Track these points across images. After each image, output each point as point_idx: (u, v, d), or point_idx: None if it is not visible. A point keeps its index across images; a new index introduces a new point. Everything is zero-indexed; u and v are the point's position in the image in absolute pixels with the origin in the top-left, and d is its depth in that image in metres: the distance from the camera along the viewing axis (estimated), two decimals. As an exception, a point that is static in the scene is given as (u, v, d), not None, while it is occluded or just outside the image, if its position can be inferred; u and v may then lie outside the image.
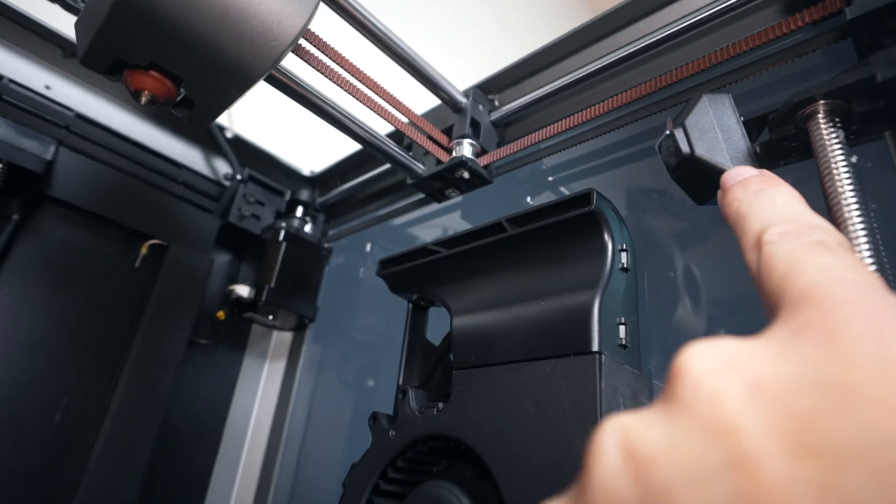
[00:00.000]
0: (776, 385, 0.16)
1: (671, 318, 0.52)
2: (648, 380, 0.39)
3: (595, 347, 0.36)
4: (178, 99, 0.37)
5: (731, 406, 0.16)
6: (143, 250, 0.66)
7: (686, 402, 0.17)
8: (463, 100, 0.58)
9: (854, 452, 0.14)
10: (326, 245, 0.80)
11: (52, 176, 0.58)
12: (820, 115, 0.34)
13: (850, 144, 0.36)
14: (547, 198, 0.66)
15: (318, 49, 0.47)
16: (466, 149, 0.56)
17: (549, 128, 0.53)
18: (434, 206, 0.74)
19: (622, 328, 0.38)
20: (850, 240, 0.30)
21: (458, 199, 0.66)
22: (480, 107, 0.59)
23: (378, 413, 0.49)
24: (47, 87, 0.62)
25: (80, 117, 0.63)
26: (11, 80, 0.59)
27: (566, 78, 0.53)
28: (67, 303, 0.60)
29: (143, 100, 0.36)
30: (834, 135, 0.33)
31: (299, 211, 0.78)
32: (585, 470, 0.18)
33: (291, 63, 0.48)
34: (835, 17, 0.36)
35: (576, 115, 0.51)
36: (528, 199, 0.65)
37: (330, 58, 0.48)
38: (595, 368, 0.35)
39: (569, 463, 0.34)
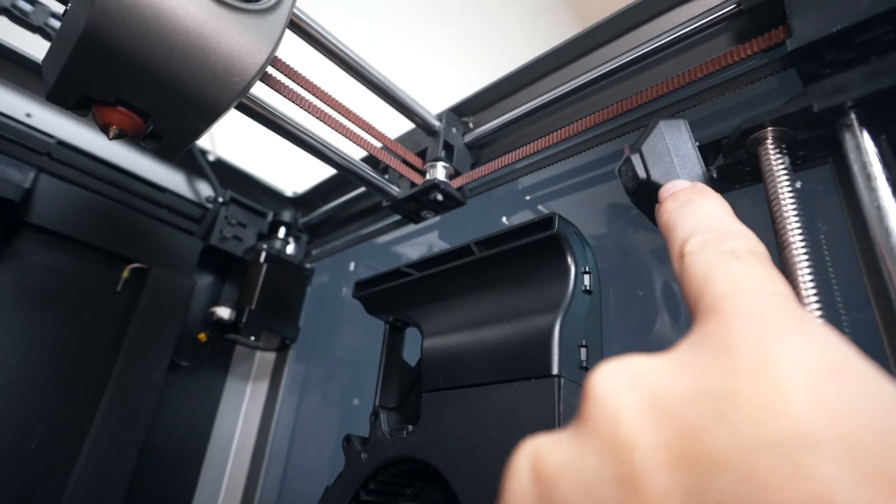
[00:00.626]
0: (669, 399, 0.17)
1: (650, 334, 0.53)
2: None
3: (555, 371, 0.37)
4: (147, 132, 0.38)
5: (628, 423, 0.17)
6: (125, 274, 0.66)
7: (590, 422, 0.18)
8: (436, 123, 0.59)
9: (726, 460, 0.14)
10: (309, 265, 0.81)
11: (32, 203, 0.59)
12: (768, 142, 0.35)
13: (797, 169, 0.37)
14: (525, 217, 0.67)
15: (288, 77, 0.48)
16: (440, 172, 0.57)
17: (519, 150, 0.54)
18: (417, 224, 0.75)
19: (583, 350, 0.39)
20: (793, 260, 0.31)
21: (438, 218, 0.67)
22: (454, 130, 0.60)
23: (351, 435, 0.50)
24: (28, 115, 0.63)
25: (62, 144, 0.64)
26: (-7, 110, 0.60)
27: (537, 100, 0.55)
28: (47, 327, 0.60)
29: (112, 134, 0.37)
30: (780, 161, 0.34)
31: (281, 232, 0.79)
32: (502, 491, 0.18)
33: (263, 90, 0.49)
34: (781, 46, 0.37)
35: (546, 137, 0.52)
36: (504, 219, 0.66)
37: (300, 85, 0.49)
38: (554, 391, 0.36)
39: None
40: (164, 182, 0.73)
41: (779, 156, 0.34)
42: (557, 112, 0.56)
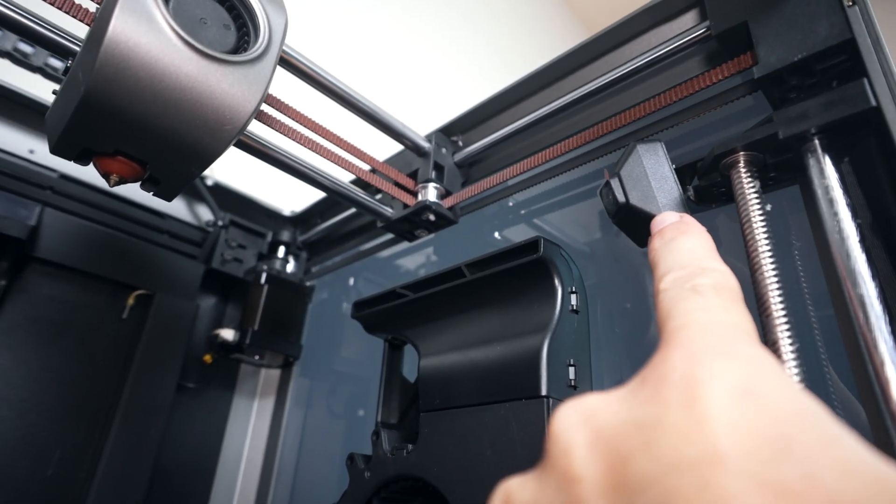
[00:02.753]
0: (611, 431, 0.18)
1: (645, 338, 0.54)
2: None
3: (543, 392, 0.38)
4: (146, 177, 0.40)
5: (577, 457, 0.18)
6: (130, 301, 0.68)
7: (549, 459, 0.19)
8: (426, 144, 0.60)
9: (648, 482, 0.15)
10: (309, 283, 0.83)
11: (38, 238, 0.61)
12: (740, 165, 0.37)
13: (769, 189, 0.39)
14: (519, 231, 0.69)
15: (280, 111, 0.50)
16: (431, 192, 0.59)
17: (507, 170, 0.55)
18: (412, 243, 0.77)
19: (572, 370, 0.41)
20: (764, 279, 0.32)
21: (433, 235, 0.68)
22: (443, 150, 0.61)
23: (355, 454, 0.52)
24: (31, 151, 0.65)
25: (64, 177, 0.66)
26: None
27: (523, 120, 0.56)
28: (57, 357, 0.62)
29: (112, 181, 0.39)
30: (751, 184, 0.36)
31: (281, 251, 0.81)
32: None
33: (254, 124, 0.51)
34: (751, 69, 0.38)
35: (532, 157, 0.54)
36: (497, 234, 0.68)
37: (290, 117, 0.50)
38: (543, 412, 0.37)
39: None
40: (165, 208, 0.75)
41: (750, 179, 0.36)
42: (545, 130, 0.58)
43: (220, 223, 0.76)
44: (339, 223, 0.80)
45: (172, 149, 0.36)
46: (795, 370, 0.30)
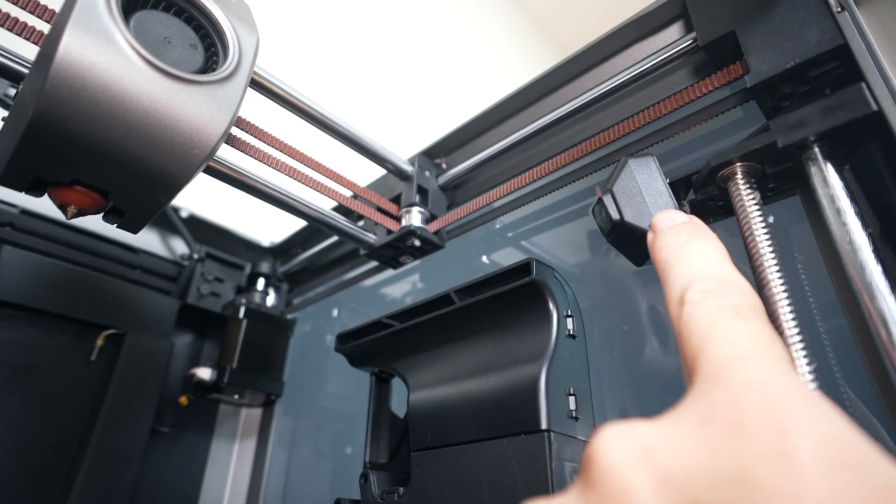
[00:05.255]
0: (684, 478, 0.17)
1: (640, 360, 0.52)
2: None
3: (544, 425, 0.36)
4: (108, 208, 0.37)
5: (642, 500, 0.17)
6: (99, 342, 0.64)
7: (600, 493, 0.18)
8: (409, 168, 0.58)
9: None
10: (290, 316, 0.79)
11: (-3, 275, 0.57)
12: (738, 177, 0.35)
13: (769, 201, 0.37)
14: (508, 254, 0.67)
15: (254, 136, 0.47)
16: (415, 217, 0.56)
17: (492, 192, 0.54)
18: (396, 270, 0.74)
19: (572, 399, 0.38)
20: (773, 296, 0.30)
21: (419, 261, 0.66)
22: (427, 173, 0.60)
23: (342, 500, 0.48)
24: (-9, 187, 0.61)
25: (26, 213, 0.63)
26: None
27: (507, 140, 0.55)
28: (19, 404, 0.58)
29: (70, 214, 0.36)
30: (751, 195, 0.34)
31: (260, 283, 0.78)
32: None
33: (227, 149, 0.49)
34: (741, 80, 0.37)
35: (517, 178, 0.52)
36: (485, 258, 0.66)
37: (265, 142, 0.48)
38: (545, 447, 0.35)
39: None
40: (137, 243, 0.72)
41: (749, 190, 0.34)
42: (530, 149, 0.56)
43: (195, 256, 0.73)
44: (320, 252, 0.77)
45: (135, 176, 0.33)
46: (815, 389, 0.27)
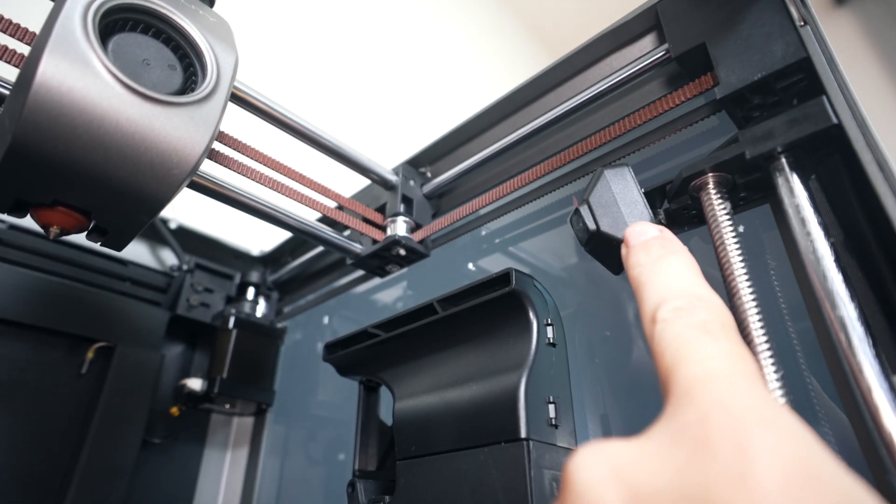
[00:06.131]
0: (650, 498, 0.18)
1: (626, 368, 0.53)
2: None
3: (523, 434, 0.36)
4: (91, 227, 0.38)
5: None
6: (90, 355, 0.65)
7: None
8: (393, 178, 0.59)
9: None
10: (280, 325, 0.80)
11: (-15, 291, 0.57)
12: (709, 187, 0.36)
13: (741, 210, 0.38)
14: (495, 260, 0.67)
15: (236, 150, 0.48)
16: (400, 227, 0.57)
17: (476, 201, 0.54)
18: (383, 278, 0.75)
19: (552, 407, 0.39)
20: (742, 304, 0.31)
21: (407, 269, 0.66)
22: (411, 182, 0.60)
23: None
24: (-22, 203, 0.61)
25: (14, 228, 0.63)
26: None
27: (491, 148, 0.55)
28: (9, 420, 0.58)
29: (52, 234, 0.36)
30: (721, 205, 0.35)
31: (250, 293, 0.78)
32: None
33: (211, 165, 0.49)
34: (712, 90, 0.38)
35: (500, 186, 0.53)
36: (471, 265, 0.66)
37: (247, 156, 0.49)
38: (524, 456, 0.35)
39: (506, 558, 0.33)
40: (126, 255, 0.72)
41: (720, 200, 0.35)
42: (514, 157, 0.57)
43: (184, 267, 0.73)
44: (310, 261, 0.78)
45: (117, 197, 0.34)
46: (782, 397, 0.28)
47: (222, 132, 0.46)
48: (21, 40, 0.36)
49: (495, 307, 0.43)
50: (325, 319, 0.85)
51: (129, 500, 0.63)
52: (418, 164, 0.63)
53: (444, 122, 0.63)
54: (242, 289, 0.78)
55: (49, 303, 0.62)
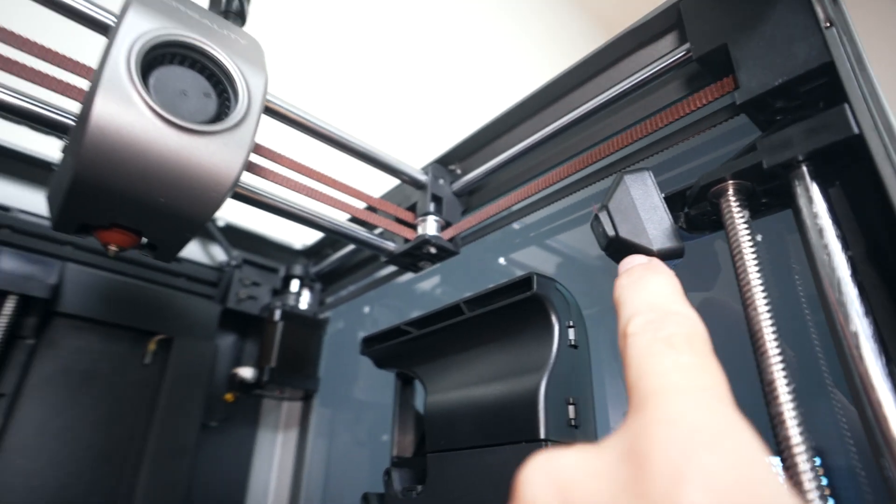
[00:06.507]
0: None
1: None
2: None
3: (542, 435, 0.38)
4: (143, 244, 0.41)
5: None
6: (151, 346, 0.70)
7: None
8: (423, 177, 0.61)
9: None
10: (323, 315, 0.84)
11: (61, 294, 0.63)
12: (729, 194, 0.36)
13: (762, 215, 0.37)
14: (527, 254, 0.68)
15: (270, 159, 0.51)
16: (430, 226, 0.59)
17: (504, 200, 0.55)
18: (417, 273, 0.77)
19: (572, 408, 0.40)
20: (756, 314, 0.31)
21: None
22: (441, 181, 0.62)
23: (369, 494, 0.52)
24: (50, 211, 0.67)
25: (82, 232, 0.69)
26: (20, 210, 0.65)
27: (519, 145, 0.55)
28: (87, 406, 0.65)
29: (111, 252, 0.40)
30: (740, 214, 0.35)
31: (294, 285, 0.82)
32: None
33: (246, 175, 0.52)
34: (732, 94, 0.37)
35: (531, 183, 0.53)
36: (502, 259, 0.67)
37: (282, 165, 0.51)
38: (542, 456, 0.37)
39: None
40: (181, 252, 0.77)
41: (739, 209, 0.35)
42: (543, 153, 0.57)
43: (233, 263, 0.78)
44: (350, 253, 0.81)
45: (163, 219, 0.37)
46: (792, 411, 0.29)
47: (257, 144, 0.49)
48: (82, 76, 0.40)
49: (518, 310, 0.44)
50: (366, 309, 0.89)
51: (193, 477, 0.70)
52: (448, 161, 0.64)
53: (473, 117, 0.64)
54: (287, 281, 0.82)
55: (115, 300, 0.68)
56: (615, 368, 0.50)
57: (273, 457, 0.80)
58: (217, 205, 0.38)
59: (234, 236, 0.81)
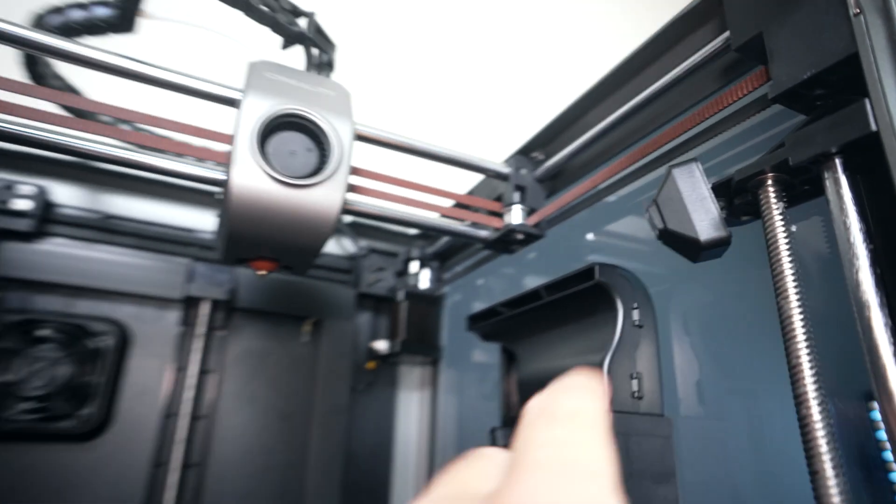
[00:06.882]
0: None
1: (718, 335, 0.55)
2: (670, 417, 0.46)
3: (604, 407, 0.44)
4: (281, 266, 0.54)
5: None
6: (306, 328, 0.87)
7: None
8: (506, 170, 0.66)
9: None
10: (441, 291, 0.95)
11: (237, 294, 0.81)
12: (767, 185, 0.37)
13: (803, 201, 0.38)
14: (627, 224, 0.70)
15: (370, 178, 0.60)
16: (515, 215, 0.65)
17: (583, 184, 0.59)
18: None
19: (635, 382, 0.45)
20: (788, 304, 0.34)
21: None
22: (523, 171, 0.67)
23: (496, 429, 0.62)
24: (221, 228, 0.86)
25: (245, 242, 0.86)
26: (200, 230, 0.84)
27: (598, 126, 0.58)
28: (266, 377, 0.84)
29: (259, 275, 0.54)
30: (776, 205, 0.37)
31: (414, 266, 0.94)
32: None
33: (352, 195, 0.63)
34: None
35: (607, 167, 0.56)
36: (591, 235, 0.71)
37: (380, 181, 0.61)
38: (605, 425, 0.43)
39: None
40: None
41: (775, 200, 0.37)
42: (621, 132, 0.59)
43: (360, 253, 0.92)
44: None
45: (290, 251, 0.49)
46: (815, 396, 0.32)
47: (355, 168, 0.59)
48: (223, 142, 0.53)
49: (587, 295, 0.50)
50: (480, 282, 0.98)
51: (351, 431, 0.87)
52: (530, 149, 0.69)
53: (548, 104, 0.67)
54: (407, 264, 0.94)
55: (277, 294, 0.86)
56: (685, 341, 0.54)
57: (411, 412, 0.95)
58: (327, 236, 0.49)
59: (360, 229, 0.95)
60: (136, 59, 0.47)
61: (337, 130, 0.49)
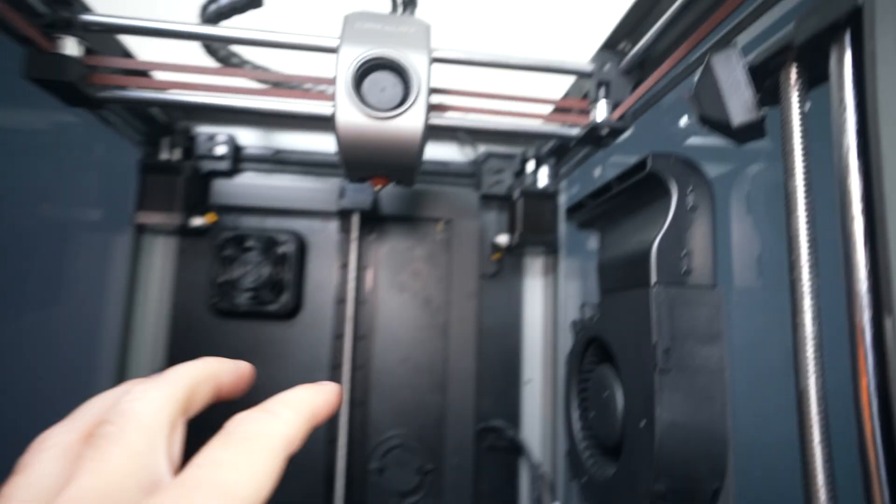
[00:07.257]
0: None
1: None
2: (722, 285, 0.50)
3: (652, 281, 0.51)
4: (392, 182, 0.68)
5: None
6: (439, 228, 1.03)
7: None
8: (589, 67, 0.69)
9: None
10: (559, 185, 1.01)
11: (379, 204, 0.99)
12: (787, 65, 0.38)
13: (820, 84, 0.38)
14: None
15: (459, 96, 0.69)
16: (599, 112, 0.68)
17: (661, 68, 0.60)
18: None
19: (686, 259, 0.51)
20: (793, 187, 0.37)
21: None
22: (607, 65, 0.69)
23: (575, 321, 0.72)
24: (362, 150, 1.02)
25: (382, 159, 1.02)
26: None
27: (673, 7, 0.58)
28: (410, 271, 1.02)
29: (377, 189, 0.68)
30: (795, 86, 0.38)
31: (530, 166, 1.02)
32: None
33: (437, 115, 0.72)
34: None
35: (682, 46, 0.57)
36: (685, 119, 0.71)
37: (466, 96, 0.69)
38: (650, 297, 0.50)
39: (648, 362, 0.51)
40: (445, 156, 1.05)
41: (796, 79, 0.38)
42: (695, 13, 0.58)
43: (480, 158, 1.02)
44: (568, 130, 0.94)
45: (394, 170, 0.62)
46: (810, 301, 0.36)
47: (438, 88, 0.68)
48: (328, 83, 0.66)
49: (647, 183, 0.55)
50: (597, 172, 1.02)
51: (483, 312, 1.02)
52: (615, 42, 0.70)
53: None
54: (524, 164, 1.02)
55: (412, 201, 1.01)
56: (745, 220, 0.55)
57: (535, 297, 1.07)
58: (419, 154, 0.60)
59: (477, 135, 1.04)
60: (272, 30, 0.62)
61: (414, 65, 0.58)
